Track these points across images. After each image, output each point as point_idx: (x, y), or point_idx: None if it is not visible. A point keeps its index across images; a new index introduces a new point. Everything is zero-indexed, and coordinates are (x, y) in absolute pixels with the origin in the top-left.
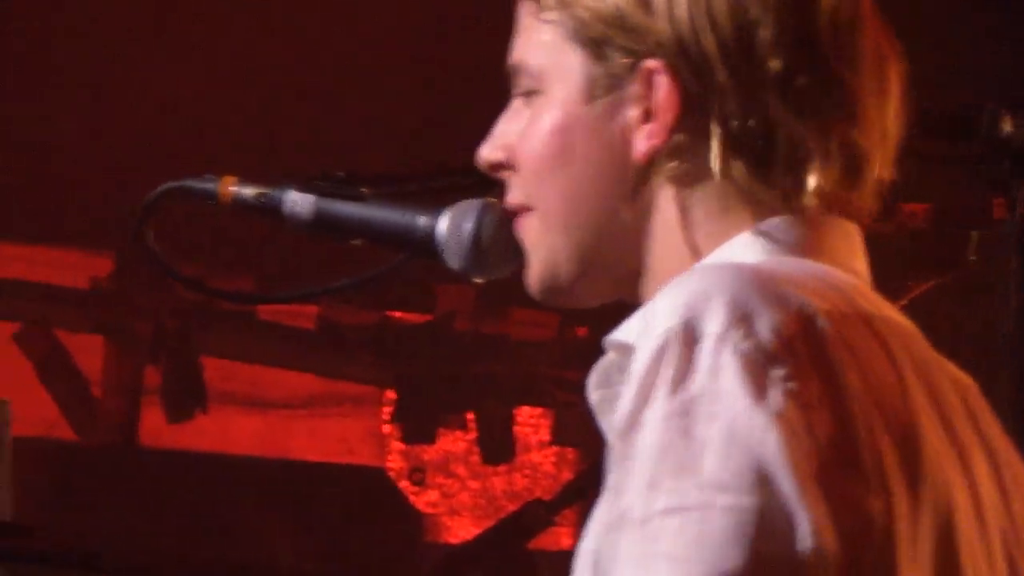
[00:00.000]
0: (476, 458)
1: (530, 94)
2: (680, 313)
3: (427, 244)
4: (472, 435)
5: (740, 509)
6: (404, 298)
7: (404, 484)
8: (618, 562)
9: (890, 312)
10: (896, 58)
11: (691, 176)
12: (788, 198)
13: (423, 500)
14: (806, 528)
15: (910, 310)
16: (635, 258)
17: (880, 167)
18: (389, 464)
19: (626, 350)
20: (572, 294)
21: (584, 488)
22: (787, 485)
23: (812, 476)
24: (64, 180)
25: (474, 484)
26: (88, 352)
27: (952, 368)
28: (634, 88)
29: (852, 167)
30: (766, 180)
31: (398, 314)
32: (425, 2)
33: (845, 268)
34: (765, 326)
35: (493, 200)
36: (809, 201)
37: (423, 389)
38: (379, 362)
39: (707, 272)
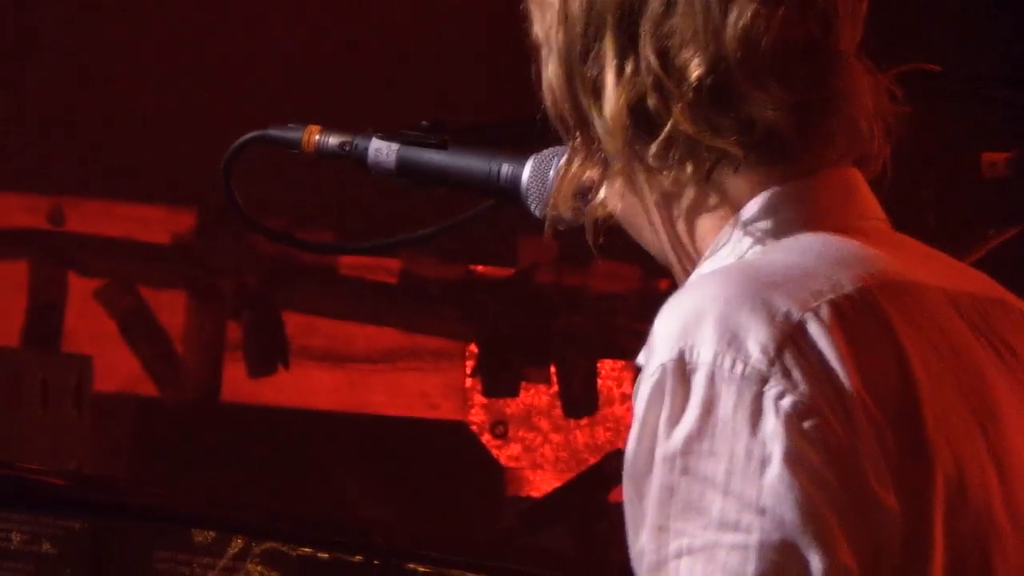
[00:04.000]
0: (558, 411)
1: None
2: (672, 345)
3: (510, 191)
4: (554, 388)
5: (745, 546)
6: (486, 252)
7: (486, 438)
8: None
9: (896, 267)
10: None
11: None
12: (769, 167)
13: (505, 454)
14: (817, 553)
15: (990, 258)
16: (663, 246)
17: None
18: (471, 418)
19: None
20: None
21: None
22: (791, 515)
23: (821, 493)
24: (146, 136)
25: (556, 437)
26: (170, 308)
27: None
28: None
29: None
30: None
31: (480, 268)
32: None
33: (845, 224)
34: (755, 344)
35: None
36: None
37: (505, 343)
38: (461, 316)
39: (695, 291)
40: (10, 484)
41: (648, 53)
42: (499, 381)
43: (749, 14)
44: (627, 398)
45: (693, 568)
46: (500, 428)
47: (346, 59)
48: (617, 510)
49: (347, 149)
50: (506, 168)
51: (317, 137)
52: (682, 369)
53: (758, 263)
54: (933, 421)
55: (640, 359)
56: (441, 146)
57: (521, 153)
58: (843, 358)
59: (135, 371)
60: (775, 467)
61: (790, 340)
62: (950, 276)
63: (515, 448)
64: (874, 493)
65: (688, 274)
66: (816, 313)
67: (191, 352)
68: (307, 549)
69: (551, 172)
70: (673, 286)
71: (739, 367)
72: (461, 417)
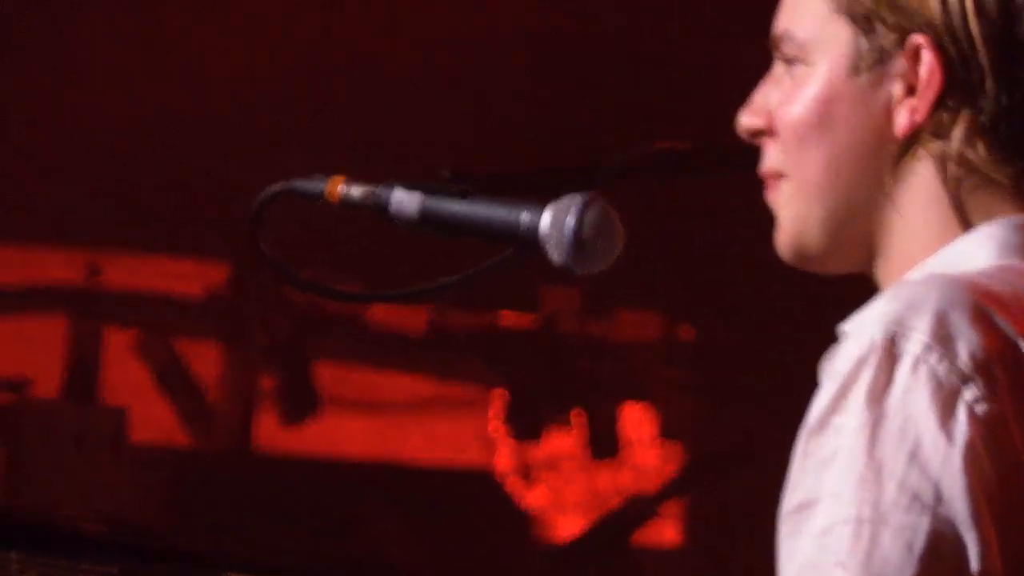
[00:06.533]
0: (583, 456)
1: (792, 62)
2: (886, 325)
3: (530, 239)
4: (578, 433)
5: (913, 529)
6: (510, 301)
7: (512, 482)
8: (796, 562)
9: None
10: None
11: (948, 157)
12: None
13: (531, 497)
14: (975, 551)
15: None
16: (880, 235)
17: None
18: (498, 463)
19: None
20: (819, 263)
21: (687, 482)
22: (961, 509)
23: (987, 499)
24: (178, 189)
25: (581, 481)
26: (204, 359)
27: None
28: (899, 63)
29: None
30: (1017, 166)
31: (505, 316)
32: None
33: None
34: (964, 348)
35: (595, 194)
36: None
37: (530, 388)
38: (487, 363)
39: (920, 286)
40: (49, 532)
41: None
42: (525, 426)
43: None
44: (650, 442)
45: (859, 539)
46: (526, 472)
47: (376, 109)
48: (640, 552)
49: (371, 200)
50: (526, 216)
51: (341, 188)
52: (890, 350)
53: (989, 283)
54: None
55: (846, 327)
56: (462, 195)
57: (541, 201)
58: None
59: (170, 422)
60: (956, 464)
61: (1000, 355)
62: None
63: (541, 492)
64: None
65: (897, 265)
66: None
67: (225, 402)
68: None
69: (570, 218)
70: (696, 333)
71: (944, 363)
72: (488, 462)
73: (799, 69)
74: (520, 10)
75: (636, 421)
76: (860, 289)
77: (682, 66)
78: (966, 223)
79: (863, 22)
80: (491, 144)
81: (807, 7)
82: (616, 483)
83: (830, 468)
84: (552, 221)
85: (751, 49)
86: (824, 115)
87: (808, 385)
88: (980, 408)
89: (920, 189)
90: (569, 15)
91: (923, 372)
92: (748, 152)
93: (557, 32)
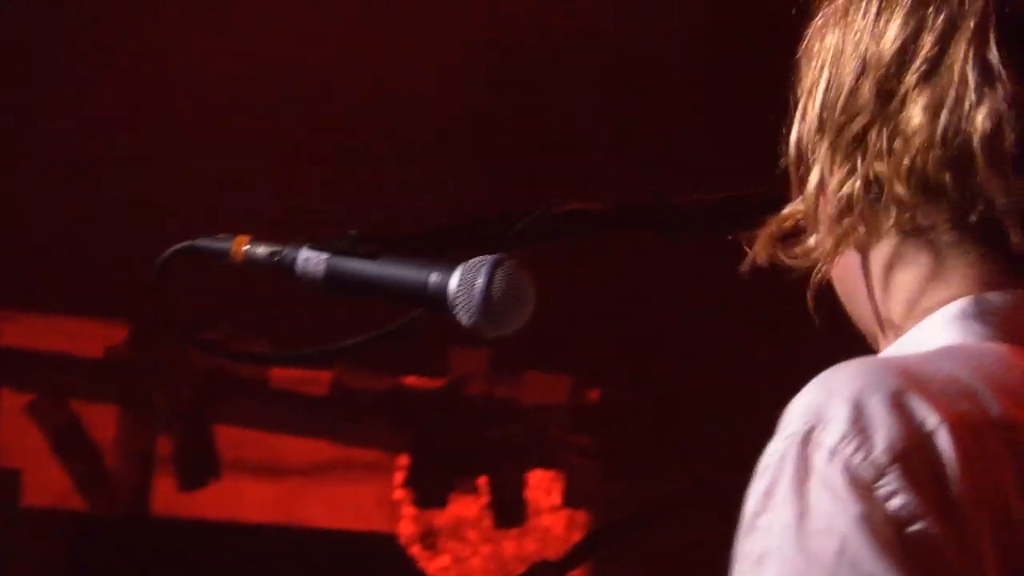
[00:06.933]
0: (488, 522)
1: None
2: (805, 419)
3: (439, 300)
4: (484, 499)
5: None
6: (417, 363)
7: (415, 549)
8: None
9: None
10: None
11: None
12: (980, 265)
13: (435, 565)
14: None
15: None
16: (870, 316)
17: None
18: (401, 529)
19: None
20: None
21: (591, 549)
22: None
23: None
24: (79, 250)
25: (485, 548)
26: (102, 421)
27: None
28: None
29: None
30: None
31: (411, 379)
32: (461, 67)
33: None
34: (882, 440)
35: (504, 255)
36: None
37: (435, 454)
38: (392, 427)
39: (842, 373)
40: None
41: (902, 120)
42: (429, 492)
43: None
44: (556, 509)
45: None
46: (429, 539)
47: (285, 166)
48: None
49: (276, 259)
50: (434, 277)
51: (246, 247)
52: (807, 445)
53: (921, 367)
54: None
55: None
56: (370, 256)
57: (450, 262)
58: (961, 477)
59: (66, 485)
60: (885, 560)
61: (917, 447)
62: None
63: (444, 559)
64: None
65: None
66: (951, 429)
67: (123, 465)
68: None
69: (479, 280)
70: (603, 396)
71: (860, 455)
72: (391, 528)
73: None
74: (445, 66)
75: (542, 487)
76: (771, 356)
77: (602, 127)
78: (928, 308)
79: None
80: (413, 200)
81: None
82: (521, 550)
83: (764, 569)
84: (461, 282)
85: (671, 113)
86: None
87: (714, 452)
88: (895, 503)
89: (877, 266)
90: (492, 73)
91: (839, 465)
92: (659, 215)
93: (484, 85)
